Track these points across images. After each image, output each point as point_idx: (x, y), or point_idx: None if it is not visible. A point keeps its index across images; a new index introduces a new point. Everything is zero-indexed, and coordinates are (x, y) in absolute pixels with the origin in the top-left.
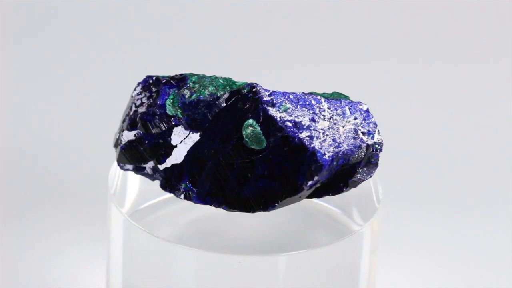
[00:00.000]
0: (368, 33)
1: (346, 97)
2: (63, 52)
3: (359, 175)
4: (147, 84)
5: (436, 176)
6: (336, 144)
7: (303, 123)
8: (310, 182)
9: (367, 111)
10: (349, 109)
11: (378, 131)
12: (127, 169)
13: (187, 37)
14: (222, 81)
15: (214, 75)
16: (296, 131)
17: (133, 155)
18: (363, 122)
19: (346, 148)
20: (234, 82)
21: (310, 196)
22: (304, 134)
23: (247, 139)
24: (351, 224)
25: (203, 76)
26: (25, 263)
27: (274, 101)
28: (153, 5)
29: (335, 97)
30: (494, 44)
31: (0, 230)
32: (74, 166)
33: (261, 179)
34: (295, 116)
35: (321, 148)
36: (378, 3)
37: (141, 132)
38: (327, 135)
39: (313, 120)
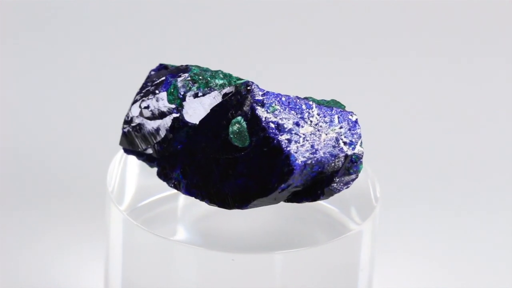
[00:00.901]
0: (371, 33)
1: (341, 106)
2: (62, 50)
3: (335, 184)
4: (157, 71)
5: (434, 174)
6: (313, 150)
7: (285, 126)
8: (282, 185)
9: (355, 121)
10: (338, 117)
11: (361, 142)
12: (131, 154)
13: (195, 33)
14: (222, 76)
15: (220, 70)
16: (277, 133)
17: (132, 140)
18: (347, 132)
19: (322, 155)
20: (234, 79)
21: (291, 200)
22: (284, 137)
23: (231, 136)
24: (349, 223)
25: (205, 69)
26: (24, 261)
27: (265, 101)
28: (157, 2)
29: (331, 105)
30: (492, 43)
31: None
32: (73, 164)
33: (240, 177)
34: (280, 118)
35: (296, 152)
36: (384, 3)
37: (142, 118)
38: (307, 140)
39: (297, 124)
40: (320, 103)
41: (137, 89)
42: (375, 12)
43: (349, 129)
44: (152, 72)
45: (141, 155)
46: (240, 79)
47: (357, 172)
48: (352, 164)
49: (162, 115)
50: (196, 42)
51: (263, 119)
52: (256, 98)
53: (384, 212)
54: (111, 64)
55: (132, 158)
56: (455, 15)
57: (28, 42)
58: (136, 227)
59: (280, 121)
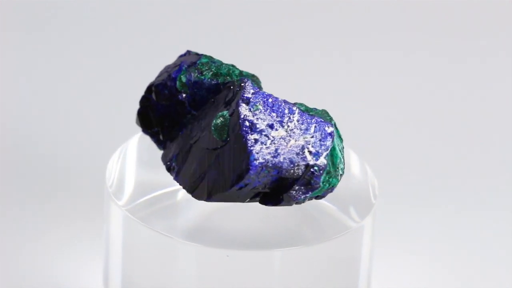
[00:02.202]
0: (374, 34)
1: (327, 118)
2: (62, 48)
3: (294, 192)
4: (182, 57)
5: (434, 174)
6: (276, 154)
7: (258, 126)
8: (239, 183)
9: (329, 134)
10: (315, 127)
11: (326, 155)
12: (146, 134)
13: (198, 32)
14: (226, 70)
15: (230, 64)
16: (249, 131)
17: (144, 120)
18: (317, 142)
19: (281, 160)
20: (237, 72)
21: (261, 202)
22: (252, 136)
23: (213, 128)
24: (347, 221)
25: (214, 61)
26: (24, 259)
27: (251, 100)
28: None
29: (318, 114)
30: (492, 44)
31: None
32: (72, 161)
33: (214, 170)
34: (256, 118)
35: (257, 153)
36: (384, 3)
37: (154, 99)
38: (274, 143)
39: (271, 126)
40: (306, 111)
41: (136, 87)
42: (377, 12)
43: (320, 140)
44: (180, 57)
45: (153, 136)
46: (249, 74)
47: (318, 183)
48: (313, 175)
49: (171, 99)
50: (199, 41)
51: (242, 116)
52: (245, 95)
53: (383, 212)
54: (111, 62)
55: (131, 155)
56: (455, 14)
57: (28, 40)
58: (135, 223)
59: (255, 121)
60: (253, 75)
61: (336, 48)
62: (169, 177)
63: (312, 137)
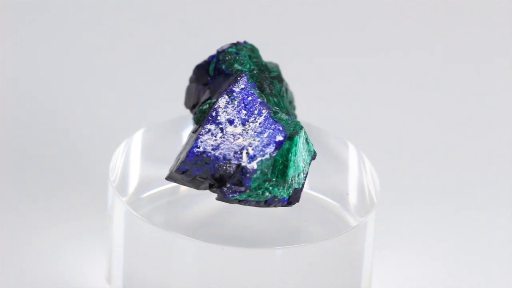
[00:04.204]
0: (374, 33)
1: (295, 128)
2: (66, 41)
3: (225, 188)
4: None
5: (435, 171)
6: (216, 147)
7: (218, 119)
8: (180, 167)
9: (276, 142)
10: (269, 133)
11: (261, 161)
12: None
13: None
14: (241, 61)
15: (255, 61)
16: (210, 121)
17: (187, 97)
18: (259, 146)
19: (217, 155)
20: (248, 67)
21: (222, 200)
22: (208, 126)
23: (197, 112)
24: (349, 218)
25: (237, 52)
26: (27, 254)
27: (234, 94)
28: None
29: (286, 123)
30: (493, 44)
31: (1, 223)
32: (75, 155)
33: (182, 152)
34: (223, 111)
35: (201, 142)
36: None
37: (195, 78)
38: (222, 138)
39: (231, 122)
40: (275, 117)
41: (138, 83)
42: (378, 12)
43: (264, 145)
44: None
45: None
46: (274, 73)
47: (247, 186)
48: (243, 177)
49: (203, 81)
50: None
51: (216, 106)
52: (233, 88)
53: (385, 210)
54: (116, 58)
55: (135, 150)
56: (455, 14)
57: (32, 32)
58: (137, 218)
59: (220, 113)
60: (276, 76)
61: (337, 48)
62: None
63: (259, 141)
